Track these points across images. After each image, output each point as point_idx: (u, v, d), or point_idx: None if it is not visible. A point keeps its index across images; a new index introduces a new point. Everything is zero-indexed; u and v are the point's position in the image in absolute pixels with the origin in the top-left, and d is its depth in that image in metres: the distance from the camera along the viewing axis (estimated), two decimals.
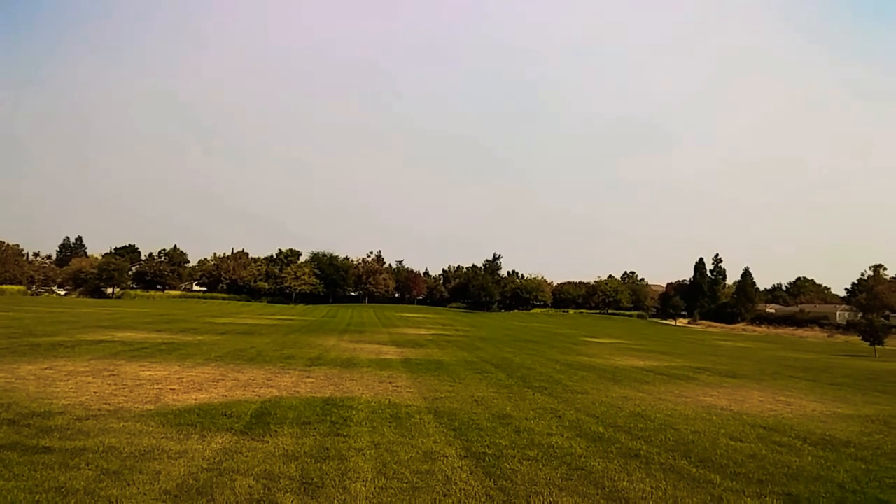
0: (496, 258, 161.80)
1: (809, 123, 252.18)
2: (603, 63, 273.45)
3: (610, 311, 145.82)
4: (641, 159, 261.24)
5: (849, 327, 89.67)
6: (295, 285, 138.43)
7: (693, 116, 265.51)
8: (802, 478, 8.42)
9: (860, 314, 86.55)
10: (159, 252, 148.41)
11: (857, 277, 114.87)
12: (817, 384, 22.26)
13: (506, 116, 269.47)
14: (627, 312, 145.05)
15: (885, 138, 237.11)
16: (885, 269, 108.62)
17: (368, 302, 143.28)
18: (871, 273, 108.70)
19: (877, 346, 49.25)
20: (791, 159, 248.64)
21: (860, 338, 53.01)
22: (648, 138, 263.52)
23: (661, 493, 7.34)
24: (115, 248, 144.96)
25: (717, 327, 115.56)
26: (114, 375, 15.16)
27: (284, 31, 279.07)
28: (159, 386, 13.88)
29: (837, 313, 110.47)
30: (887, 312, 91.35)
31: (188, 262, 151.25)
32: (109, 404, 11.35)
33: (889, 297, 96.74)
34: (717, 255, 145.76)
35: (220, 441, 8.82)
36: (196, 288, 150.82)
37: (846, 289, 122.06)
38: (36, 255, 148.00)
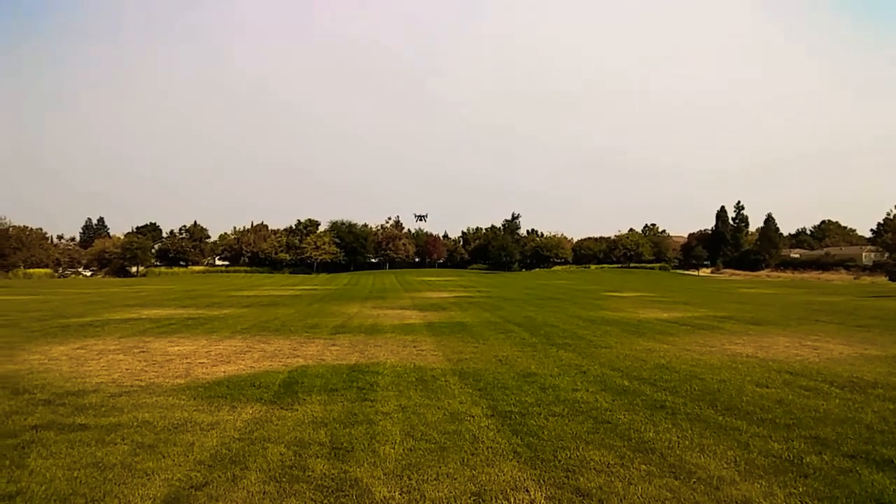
0: (515, 217, 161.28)
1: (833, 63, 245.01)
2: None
3: (632, 265, 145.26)
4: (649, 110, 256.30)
5: (875, 268, 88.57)
6: (316, 255, 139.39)
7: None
8: (829, 421, 8.41)
9: (887, 254, 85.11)
10: (180, 229, 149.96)
11: (883, 217, 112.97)
12: (844, 327, 22.09)
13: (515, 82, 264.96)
14: (649, 265, 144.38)
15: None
16: None
17: (389, 268, 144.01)
18: None
19: None
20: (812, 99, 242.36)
21: (887, 278, 52.37)
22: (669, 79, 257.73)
23: (687, 442, 7.38)
24: (137, 228, 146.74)
25: (740, 275, 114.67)
26: (143, 352, 15.45)
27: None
28: (188, 360, 14.13)
29: (863, 254, 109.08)
30: None
31: (209, 237, 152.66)
32: (141, 380, 11.59)
33: None
34: (739, 202, 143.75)
35: (251, 411, 8.99)
36: (218, 262, 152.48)
37: (872, 229, 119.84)
38: (60, 237, 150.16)
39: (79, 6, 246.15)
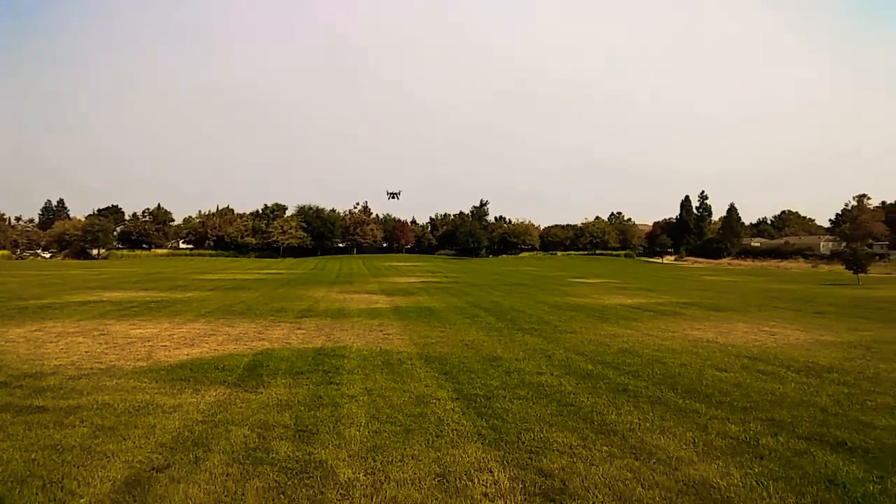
0: (483, 204, 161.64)
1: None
2: None
3: (598, 252, 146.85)
4: (625, 97, 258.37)
5: (833, 257, 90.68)
6: (282, 239, 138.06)
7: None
8: (785, 404, 8.64)
9: (844, 244, 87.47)
10: (143, 212, 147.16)
11: (841, 208, 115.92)
12: (801, 313, 22.65)
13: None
14: (615, 252, 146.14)
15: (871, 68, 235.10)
16: (868, 198, 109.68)
17: (357, 253, 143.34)
18: (854, 203, 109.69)
19: (860, 275, 50.03)
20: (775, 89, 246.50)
21: (844, 267, 53.73)
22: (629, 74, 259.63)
23: (648, 424, 7.52)
24: (98, 210, 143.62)
25: (703, 263, 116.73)
26: (104, 335, 15.18)
27: None
28: (150, 343, 13.92)
29: (821, 244, 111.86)
30: (870, 241, 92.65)
31: (173, 220, 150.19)
32: (101, 363, 11.40)
33: (872, 225, 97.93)
34: (703, 192, 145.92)
35: (214, 394, 8.91)
36: (182, 246, 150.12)
37: (830, 219, 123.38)
38: (18, 219, 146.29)
39: None
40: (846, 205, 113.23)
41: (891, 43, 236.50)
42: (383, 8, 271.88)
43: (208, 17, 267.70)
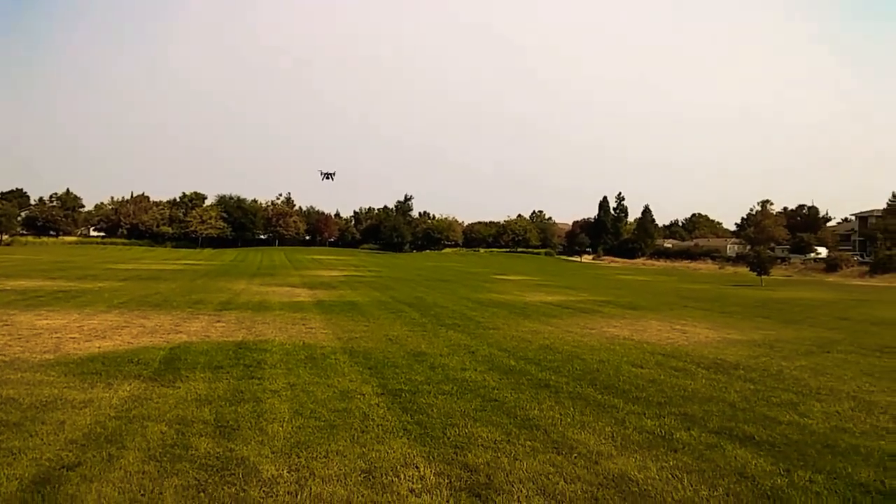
0: (408, 199, 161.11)
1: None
2: None
3: (519, 250, 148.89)
4: (550, 99, 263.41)
5: (738, 259, 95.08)
6: (201, 229, 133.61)
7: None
8: (697, 399, 9.04)
9: (748, 247, 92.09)
10: (50, 196, 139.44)
11: (746, 213, 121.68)
12: (710, 313, 23.74)
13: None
14: (536, 250, 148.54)
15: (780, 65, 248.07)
16: (771, 203, 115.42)
17: (279, 245, 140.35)
18: (759, 208, 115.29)
19: (763, 276, 52.71)
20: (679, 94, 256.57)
21: (748, 268, 56.48)
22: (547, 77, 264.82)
23: (569, 419, 7.72)
24: (1, 193, 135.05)
25: (619, 262, 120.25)
26: (7, 325, 14.37)
27: None
28: (58, 335, 13.26)
29: (728, 246, 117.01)
30: (773, 245, 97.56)
31: (83, 206, 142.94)
32: (4, 355, 10.78)
33: (775, 230, 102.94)
34: (620, 193, 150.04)
35: (128, 388, 8.57)
36: (94, 234, 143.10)
37: (736, 223, 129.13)
38: None
39: None
40: (751, 210, 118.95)
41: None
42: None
43: None
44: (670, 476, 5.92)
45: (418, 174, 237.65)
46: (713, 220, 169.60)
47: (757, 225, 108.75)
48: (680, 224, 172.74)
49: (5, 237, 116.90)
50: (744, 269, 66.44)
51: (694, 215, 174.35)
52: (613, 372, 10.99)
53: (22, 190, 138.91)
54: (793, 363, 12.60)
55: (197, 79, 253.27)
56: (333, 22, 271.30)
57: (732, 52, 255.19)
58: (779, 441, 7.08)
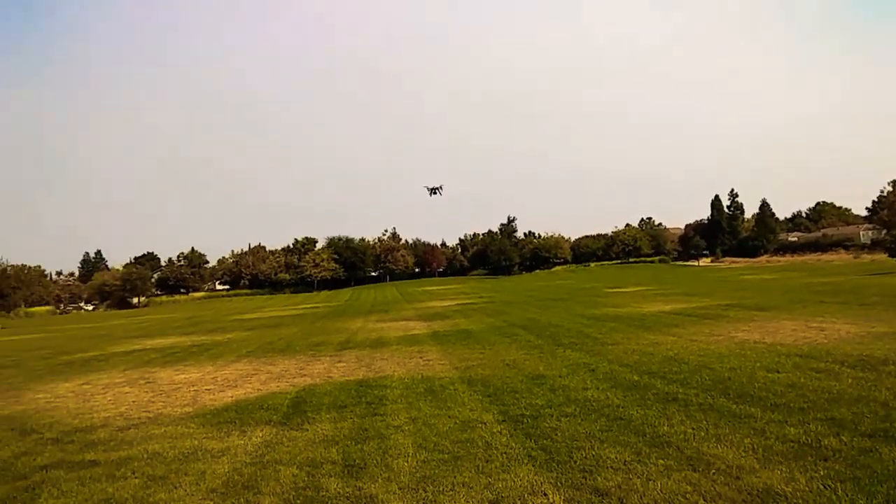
0: (511, 221, 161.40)
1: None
2: None
3: (631, 260, 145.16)
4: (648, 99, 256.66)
5: (874, 246, 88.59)
6: (315, 273, 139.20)
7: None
8: (844, 401, 8.34)
9: (884, 231, 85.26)
10: (178, 256, 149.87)
11: (877, 195, 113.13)
12: (848, 306, 22.03)
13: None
14: (649, 259, 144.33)
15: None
16: None
17: (389, 280, 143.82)
18: (890, 188, 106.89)
19: None
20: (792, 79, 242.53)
21: (887, 255, 52.36)
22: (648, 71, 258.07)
23: (702, 434, 7.30)
24: (135, 258, 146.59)
25: (740, 262, 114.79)
26: (149, 383, 15.36)
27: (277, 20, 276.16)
28: (195, 387, 14.04)
29: (861, 233, 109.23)
30: None
31: (207, 262, 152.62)
32: (149, 411, 11.50)
33: None
34: (733, 189, 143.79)
35: (261, 434, 8.91)
36: (219, 287, 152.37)
37: (867, 208, 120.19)
38: (59, 273, 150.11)
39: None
40: (881, 191, 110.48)
41: None
42: (400, 30, 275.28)
43: (224, 51, 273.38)
44: (822, 487, 5.45)
45: (520, 193, 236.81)
46: (840, 207, 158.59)
47: (890, 207, 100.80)
48: (804, 215, 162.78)
49: (142, 299, 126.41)
50: (882, 256, 61.71)
51: (818, 204, 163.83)
52: (747, 379, 10.34)
53: (153, 253, 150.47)
54: None
55: (296, 124, 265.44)
56: (422, 44, 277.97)
57: None
58: None
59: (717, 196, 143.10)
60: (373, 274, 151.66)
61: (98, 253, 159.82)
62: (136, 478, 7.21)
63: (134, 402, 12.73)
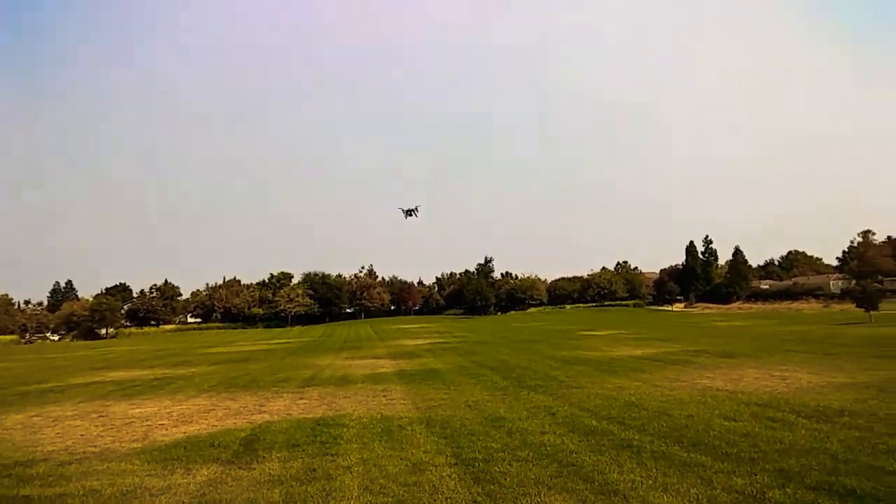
0: (488, 261, 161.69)
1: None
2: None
3: (606, 303, 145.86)
4: (628, 147, 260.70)
5: (843, 295, 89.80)
6: (289, 308, 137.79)
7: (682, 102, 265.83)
8: (794, 452, 8.34)
9: (853, 281, 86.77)
10: (151, 287, 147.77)
11: (847, 245, 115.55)
12: (813, 355, 22.25)
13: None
14: (624, 302, 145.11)
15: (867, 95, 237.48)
16: (873, 233, 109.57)
17: (364, 317, 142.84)
18: (860, 239, 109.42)
19: (872, 312, 49.32)
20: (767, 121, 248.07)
21: (855, 305, 53.11)
22: (634, 125, 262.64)
23: (651, 482, 7.24)
24: (106, 289, 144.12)
25: (713, 308, 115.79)
26: (102, 416, 14.95)
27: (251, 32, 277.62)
28: (148, 423, 13.68)
29: (831, 283, 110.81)
30: (880, 277, 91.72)
31: (181, 294, 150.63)
32: (95, 446, 11.17)
33: (880, 261, 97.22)
34: (707, 236, 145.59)
35: (206, 473, 8.66)
36: (191, 320, 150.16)
37: (837, 257, 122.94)
38: (27, 302, 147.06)
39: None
40: (852, 242, 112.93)
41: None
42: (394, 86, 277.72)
43: (209, 86, 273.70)
44: None
45: (496, 236, 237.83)
46: (812, 256, 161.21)
47: (860, 257, 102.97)
48: (776, 263, 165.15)
49: (111, 330, 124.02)
50: (851, 306, 62.53)
51: (790, 252, 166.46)
52: (703, 427, 10.33)
53: (125, 284, 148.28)
54: None
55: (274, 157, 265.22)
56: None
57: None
58: (884, 494, 6.39)
59: (691, 242, 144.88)
60: (348, 310, 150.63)
61: (69, 283, 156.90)
62: None
63: (82, 435, 12.37)
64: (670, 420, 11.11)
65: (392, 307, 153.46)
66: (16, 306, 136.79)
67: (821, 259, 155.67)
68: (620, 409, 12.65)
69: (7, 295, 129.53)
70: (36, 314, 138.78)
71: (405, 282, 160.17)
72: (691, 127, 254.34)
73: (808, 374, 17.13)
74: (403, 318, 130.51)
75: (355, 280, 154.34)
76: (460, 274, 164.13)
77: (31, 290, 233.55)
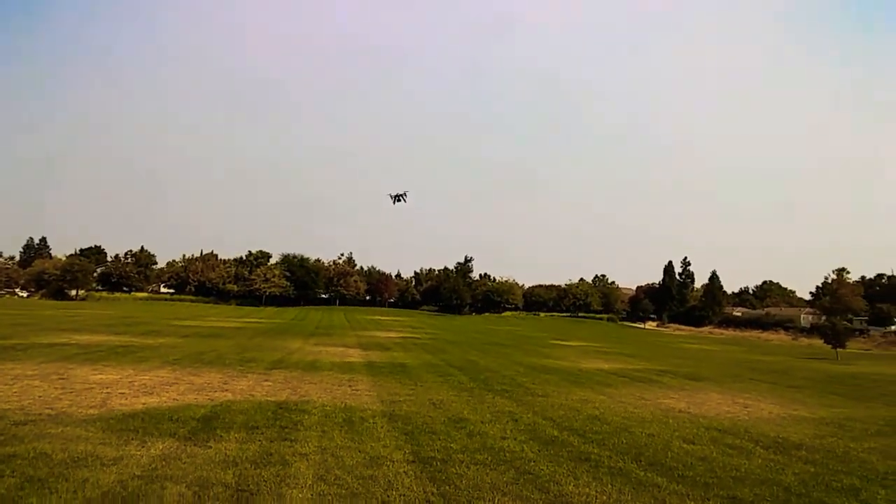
0: (468, 261, 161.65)
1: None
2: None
3: (581, 315, 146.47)
4: (620, 162, 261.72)
5: (812, 330, 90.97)
6: (265, 287, 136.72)
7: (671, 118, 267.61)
8: (749, 481, 8.41)
9: (823, 317, 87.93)
10: (126, 253, 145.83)
11: (822, 281, 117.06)
12: (777, 386, 22.52)
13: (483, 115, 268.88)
14: (598, 315, 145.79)
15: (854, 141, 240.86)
16: (848, 272, 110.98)
17: (339, 304, 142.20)
18: (834, 277, 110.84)
19: (838, 349, 49.96)
20: (761, 161, 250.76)
21: (823, 340, 53.79)
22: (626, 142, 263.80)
23: (605, 498, 7.26)
24: (81, 250, 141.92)
25: (685, 330, 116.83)
26: (62, 379, 14.72)
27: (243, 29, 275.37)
28: (108, 390, 13.49)
29: (802, 316, 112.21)
30: (850, 316, 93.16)
31: (156, 263, 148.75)
32: (52, 408, 10.98)
33: (851, 300, 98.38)
34: (686, 258, 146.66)
35: (161, 447, 8.54)
36: (164, 290, 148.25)
37: (811, 292, 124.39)
38: None
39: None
40: (826, 278, 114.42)
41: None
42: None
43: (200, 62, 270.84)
44: None
45: (479, 234, 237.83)
46: (786, 289, 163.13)
47: (833, 294, 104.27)
48: (750, 291, 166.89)
49: (81, 292, 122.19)
50: (819, 342, 63.33)
51: (765, 283, 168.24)
52: (662, 447, 10.40)
53: (100, 247, 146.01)
54: (861, 444, 11.72)
55: (264, 145, 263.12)
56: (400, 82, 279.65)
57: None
58: None
59: (670, 262, 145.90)
60: (323, 296, 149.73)
61: (43, 240, 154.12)
62: (13, 477, 6.80)
63: (40, 397, 12.16)
64: (630, 437, 11.17)
65: (368, 297, 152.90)
66: None
67: (794, 292, 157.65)
68: (583, 421, 12.70)
69: None
70: (6, 268, 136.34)
71: (383, 273, 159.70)
72: (684, 144, 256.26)
73: (770, 404, 17.32)
74: (378, 310, 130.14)
75: (333, 266, 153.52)
76: (439, 271, 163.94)
77: (3, 243, 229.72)
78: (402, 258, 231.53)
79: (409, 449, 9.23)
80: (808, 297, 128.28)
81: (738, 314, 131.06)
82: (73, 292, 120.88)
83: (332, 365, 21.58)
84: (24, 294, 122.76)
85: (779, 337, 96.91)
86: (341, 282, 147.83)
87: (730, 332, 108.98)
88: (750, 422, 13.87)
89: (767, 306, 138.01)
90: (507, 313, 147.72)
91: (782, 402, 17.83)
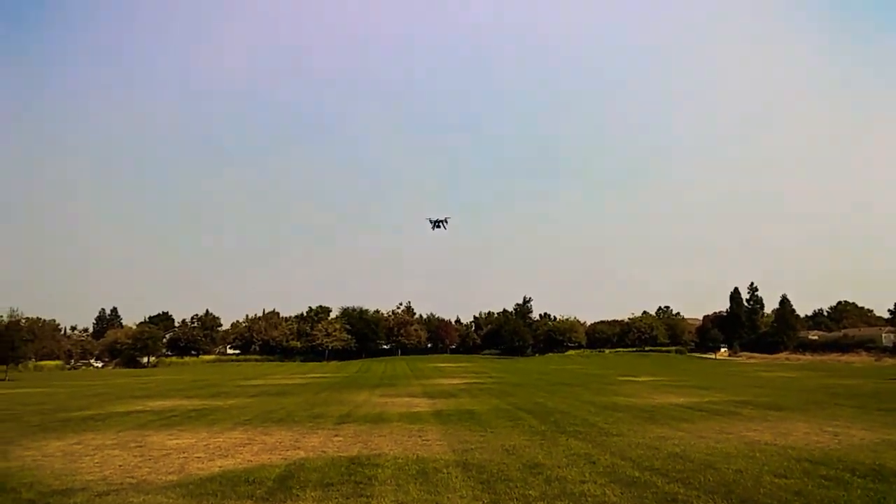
0: (527, 301, 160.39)
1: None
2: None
3: (647, 349, 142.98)
4: (661, 191, 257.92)
5: None
6: (327, 342, 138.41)
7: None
8: None
9: None
10: (192, 318, 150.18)
11: None
12: (865, 411, 21.32)
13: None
14: (665, 348, 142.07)
15: None
16: None
17: (401, 354, 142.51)
18: None
19: None
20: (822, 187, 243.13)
21: None
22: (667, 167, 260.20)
23: None
24: (149, 317, 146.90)
25: (758, 358, 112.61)
26: (140, 447, 15.04)
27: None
28: (185, 455, 13.70)
29: (883, 336, 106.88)
30: None
31: (221, 325, 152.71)
32: (133, 477, 11.19)
33: None
34: (753, 283, 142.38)
35: None
36: (230, 351, 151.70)
37: (889, 310, 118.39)
38: (73, 328, 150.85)
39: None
40: None
41: None
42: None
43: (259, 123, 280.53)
44: None
45: (537, 276, 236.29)
46: (862, 308, 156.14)
47: None
48: (825, 314, 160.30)
49: (152, 359, 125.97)
50: None
51: (840, 303, 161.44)
52: (752, 483, 9.88)
53: (167, 313, 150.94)
54: None
55: (319, 192, 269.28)
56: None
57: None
58: None
59: (736, 289, 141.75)
60: (385, 347, 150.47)
61: (114, 310, 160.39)
62: None
63: (120, 466, 12.42)
64: (717, 474, 10.66)
65: (429, 345, 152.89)
66: (62, 332, 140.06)
67: (872, 311, 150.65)
68: (664, 459, 12.21)
69: (55, 320, 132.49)
70: (81, 340, 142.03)
71: (442, 319, 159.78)
72: (751, 168, 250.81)
73: (861, 430, 16.38)
74: (440, 357, 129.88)
75: (392, 316, 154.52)
76: (498, 313, 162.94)
77: (78, 317, 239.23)
78: (460, 303, 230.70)
79: (487, 499, 9.02)
80: (887, 315, 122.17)
81: (815, 337, 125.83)
82: (145, 359, 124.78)
83: (399, 416, 21.48)
84: (99, 364, 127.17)
85: (861, 359, 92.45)
86: (401, 331, 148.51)
87: (807, 357, 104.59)
88: (842, 450, 13.11)
89: (844, 328, 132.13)
90: (571, 352, 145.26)
91: (874, 427, 16.84)
